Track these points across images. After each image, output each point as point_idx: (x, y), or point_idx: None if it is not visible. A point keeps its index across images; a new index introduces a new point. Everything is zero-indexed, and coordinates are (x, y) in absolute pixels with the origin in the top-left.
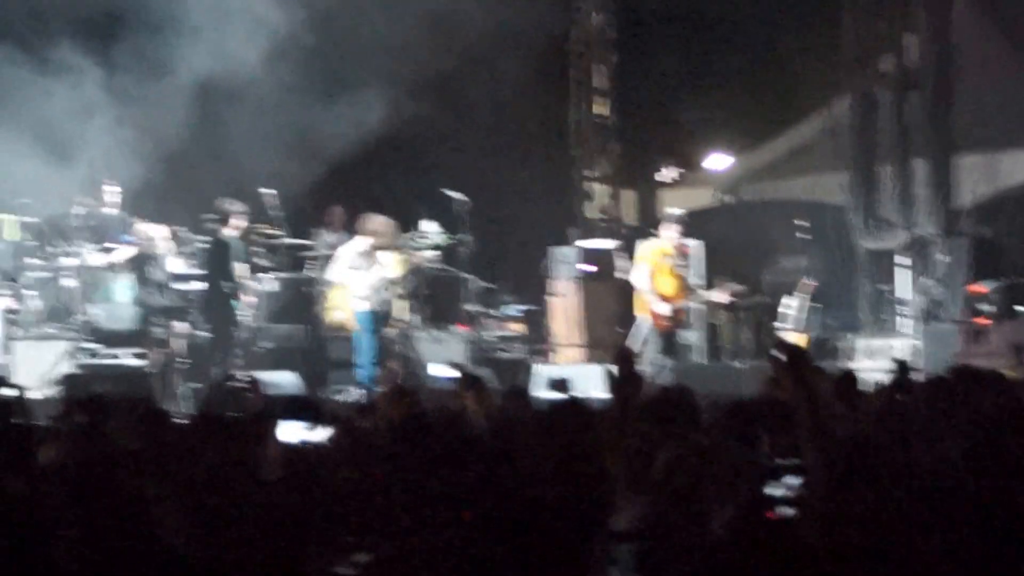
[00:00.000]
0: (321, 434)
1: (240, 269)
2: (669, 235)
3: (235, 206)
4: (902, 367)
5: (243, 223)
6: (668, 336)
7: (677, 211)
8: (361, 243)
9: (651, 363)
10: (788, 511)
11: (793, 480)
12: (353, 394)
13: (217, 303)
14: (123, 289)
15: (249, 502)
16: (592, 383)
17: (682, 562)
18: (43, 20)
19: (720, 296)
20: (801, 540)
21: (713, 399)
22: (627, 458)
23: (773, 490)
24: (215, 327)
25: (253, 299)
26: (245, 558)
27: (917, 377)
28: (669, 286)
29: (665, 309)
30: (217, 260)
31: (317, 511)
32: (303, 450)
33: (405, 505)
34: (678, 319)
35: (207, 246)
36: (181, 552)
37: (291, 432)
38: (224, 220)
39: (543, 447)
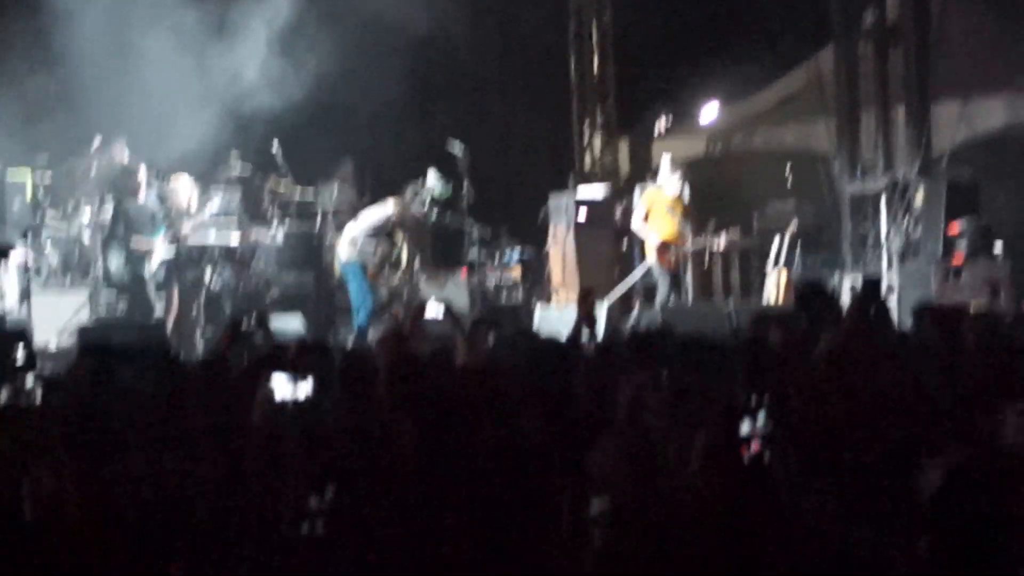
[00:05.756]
0: (303, 389)
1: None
2: (672, 183)
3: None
4: (868, 284)
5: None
6: (675, 277)
7: (677, 160)
8: (383, 213)
9: (659, 304)
10: (761, 448)
11: (766, 417)
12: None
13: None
14: None
15: (236, 448)
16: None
17: (656, 512)
18: None
19: (720, 242)
20: (773, 476)
21: (695, 338)
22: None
23: (747, 428)
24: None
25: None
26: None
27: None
28: (667, 230)
29: (656, 241)
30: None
31: (289, 463)
32: (283, 404)
33: (370, 451)
34: (675, 260)
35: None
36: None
37: (279, 385)
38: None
39: (528, 389)
